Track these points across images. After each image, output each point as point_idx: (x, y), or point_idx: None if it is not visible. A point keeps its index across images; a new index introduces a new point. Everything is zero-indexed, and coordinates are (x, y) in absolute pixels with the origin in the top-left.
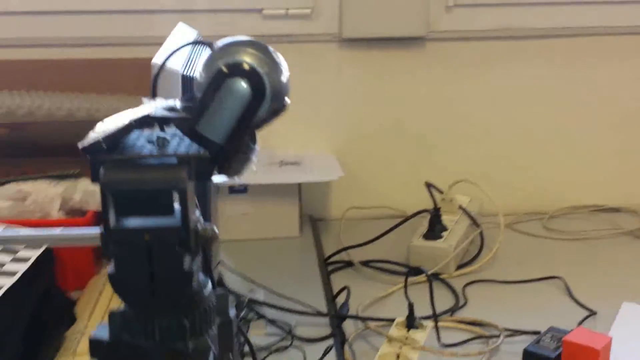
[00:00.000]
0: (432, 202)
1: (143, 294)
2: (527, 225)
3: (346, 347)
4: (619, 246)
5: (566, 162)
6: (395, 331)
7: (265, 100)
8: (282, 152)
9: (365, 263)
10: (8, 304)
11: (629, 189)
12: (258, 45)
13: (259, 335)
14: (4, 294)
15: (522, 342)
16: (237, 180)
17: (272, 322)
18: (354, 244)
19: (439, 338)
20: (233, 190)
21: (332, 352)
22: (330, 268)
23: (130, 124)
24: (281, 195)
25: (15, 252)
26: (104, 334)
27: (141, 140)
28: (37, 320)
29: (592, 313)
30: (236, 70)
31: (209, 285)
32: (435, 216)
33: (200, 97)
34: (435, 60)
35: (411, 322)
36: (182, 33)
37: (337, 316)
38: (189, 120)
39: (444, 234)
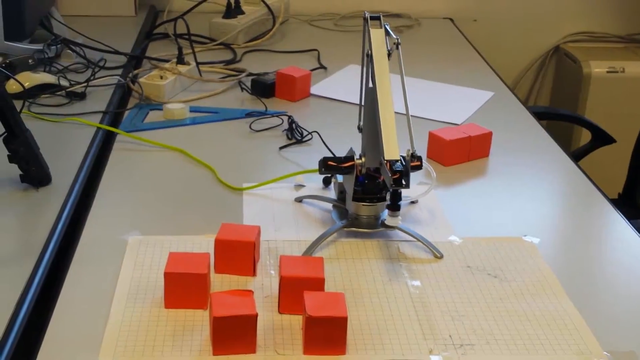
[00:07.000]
0: None
1: None
2: (322, 22)
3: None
4: None
5: None
6: (167, 65)
7: None
8: None
9: (180, 35)
10: None
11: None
12: None
13: (67, 61)
14: None
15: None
16: None
17: (81, 55)
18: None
19: (197, 65)
20: None
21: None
22: (152, 38)
23: None
24: None
25: None
26: None
27: None
28: None
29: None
30: None
31: None
32: (234, 3)
33: None
34: None
35: (180, 60)
36: None
37: (131, 55)
38: None
39: (240, 16)
